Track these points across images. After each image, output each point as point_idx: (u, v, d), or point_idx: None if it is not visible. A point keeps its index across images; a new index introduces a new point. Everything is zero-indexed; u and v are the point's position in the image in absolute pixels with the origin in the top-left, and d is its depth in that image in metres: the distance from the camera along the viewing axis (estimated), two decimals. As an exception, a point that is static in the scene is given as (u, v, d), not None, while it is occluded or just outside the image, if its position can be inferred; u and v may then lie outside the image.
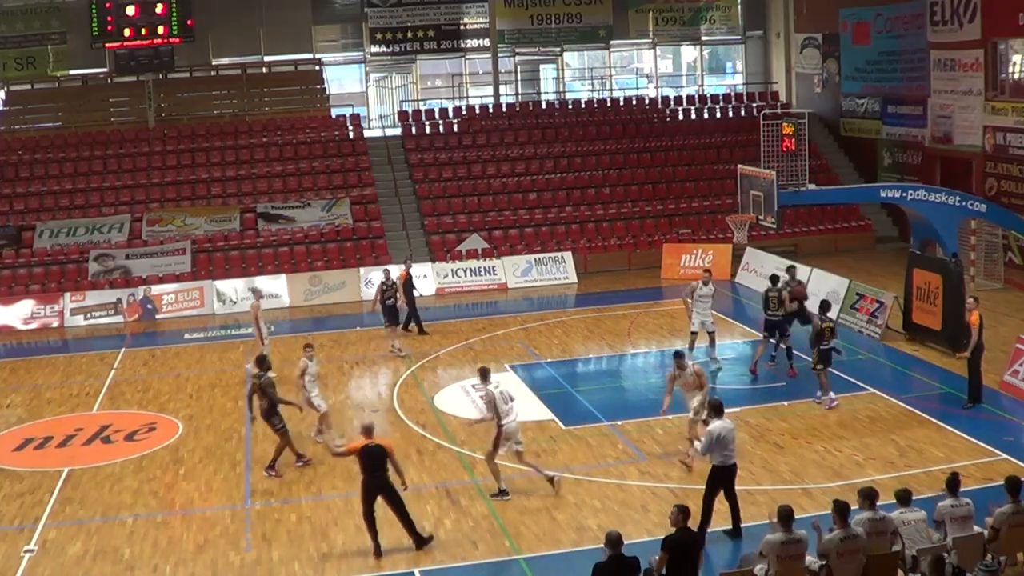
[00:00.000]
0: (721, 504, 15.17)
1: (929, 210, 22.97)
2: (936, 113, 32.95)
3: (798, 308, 21.69)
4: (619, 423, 18.94)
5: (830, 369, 19.61)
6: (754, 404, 19.70)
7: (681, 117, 39.85)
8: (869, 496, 11.93)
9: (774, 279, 22.00)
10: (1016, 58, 30.74)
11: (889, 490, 13.07)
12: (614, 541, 11.17)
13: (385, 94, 41.97)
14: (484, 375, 16.45)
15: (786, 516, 11.57)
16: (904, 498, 12.25)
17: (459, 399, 21.09)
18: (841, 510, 11.54)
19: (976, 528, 12.22)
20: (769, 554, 11.41)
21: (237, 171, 35.60)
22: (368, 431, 14.47)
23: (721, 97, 41.19)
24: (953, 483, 12.46)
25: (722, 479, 14.26)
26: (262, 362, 17.63)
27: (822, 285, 26.73)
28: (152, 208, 33.78)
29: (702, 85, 43.41)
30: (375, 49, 40.47)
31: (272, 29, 39.26)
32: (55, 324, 29.24)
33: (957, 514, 12.18)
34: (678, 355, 17.16)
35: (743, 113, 39.92)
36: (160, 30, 35.28)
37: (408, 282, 25.74)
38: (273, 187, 35.14)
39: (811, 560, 11.58)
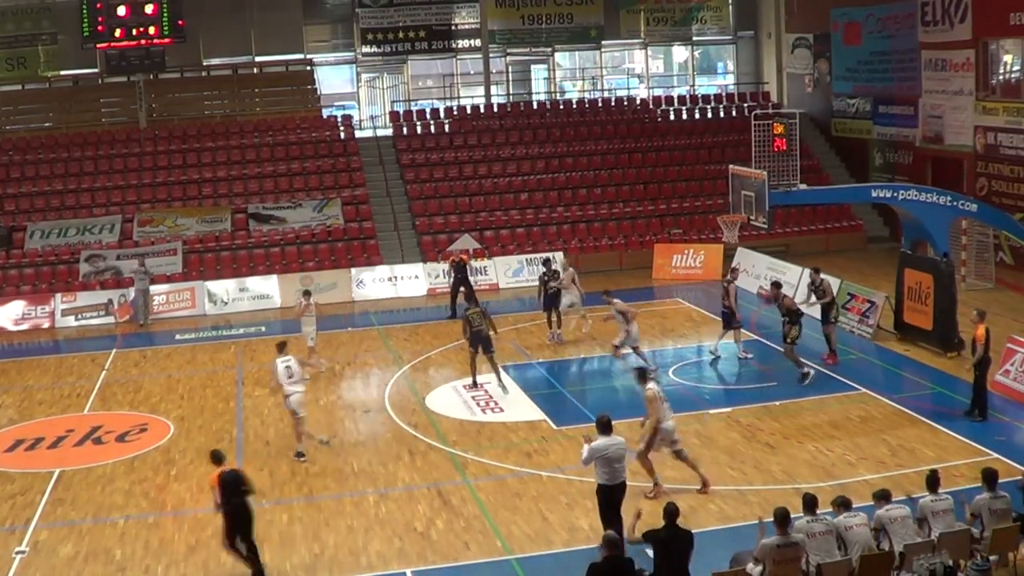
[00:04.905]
0: (712, 503, 15.21)
1: (920, 210, 22.99)
2: (927, 113, 33.03)
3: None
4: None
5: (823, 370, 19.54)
6: (745, 404, 19.69)
7: (672, 117, 39.88)
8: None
9: (776, 284, 21.84)
10: (1007, 58, 30.84)
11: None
12: (612, 543, 11.14)
13: (376, 94, 41.95)
14: (642, 376, 15.97)
15: (782, 519, 11.55)
16: (884, 496, 12.35)
17: (450, 399, 21.05)
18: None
19: (959, 524, 12.29)
20: (765, 558, 11.40)
21: (228, 171, 35.55)
22: (218, 458, 13.92)
23: (712, 97, 41.24)
24: (933, 480, 12.58)
25: (605, 498, 13.62)
26: (470, 298, 20.96)
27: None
28: (143, 209, 33.71)
29: (693, 85, 43.46)
30: (366, 49, 40.46)
31: (263, 29, 39.21)
32: (46, 325, 29.16)
33: (938, 508, 12.29)
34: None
35: (734, 113, 39.97)
36: (151, 31, 35.23)
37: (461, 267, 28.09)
38: (264, 187, 35.09)
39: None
